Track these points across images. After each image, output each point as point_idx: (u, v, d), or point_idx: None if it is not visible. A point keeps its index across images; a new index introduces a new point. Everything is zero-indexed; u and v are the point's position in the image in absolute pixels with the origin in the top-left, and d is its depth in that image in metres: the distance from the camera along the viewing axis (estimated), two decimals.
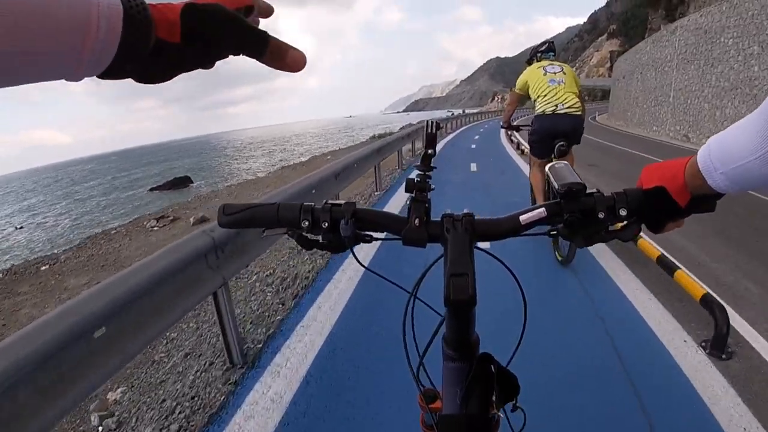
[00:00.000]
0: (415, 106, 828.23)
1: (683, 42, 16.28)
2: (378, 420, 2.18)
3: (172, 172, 40.79)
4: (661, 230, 0.64)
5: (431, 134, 0.69)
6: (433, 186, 0.70)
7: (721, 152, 0.52)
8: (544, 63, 4.09)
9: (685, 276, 3.10)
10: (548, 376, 2.34)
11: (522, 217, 0.66)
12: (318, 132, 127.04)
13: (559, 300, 3.31)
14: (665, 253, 3.59)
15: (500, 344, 0.81)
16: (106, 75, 0.37)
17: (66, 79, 0.34)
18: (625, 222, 0.64)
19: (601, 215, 0.63)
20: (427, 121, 0.70)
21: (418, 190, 0.68)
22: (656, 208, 0.61)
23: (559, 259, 3.78)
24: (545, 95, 3.84)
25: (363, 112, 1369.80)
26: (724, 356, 2.50)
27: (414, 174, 0.70)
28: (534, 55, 4.38)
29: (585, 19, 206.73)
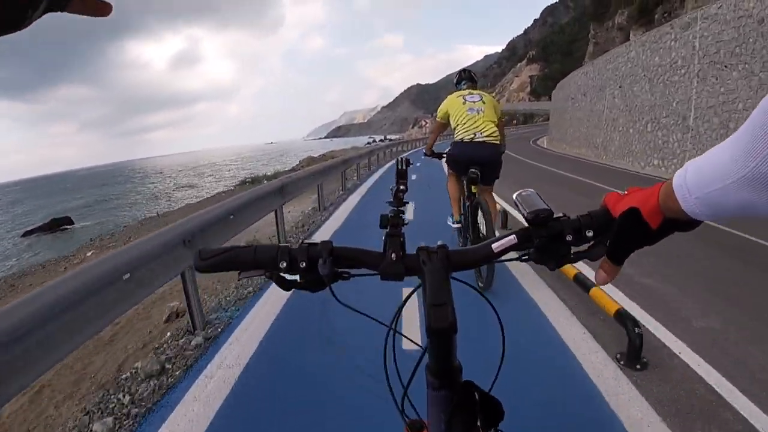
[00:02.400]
0: (338, 132, 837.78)
1: (712, 38, 10.97)
2: None
3: (63, 207, 40.56)
4: (625, 256, 0.62)
5: (402, 170, 0.74)
6: (406, 221, 0.72)
7: (697, 175, 0.50)
8: (464, 92, 4.18)
9: (600, 292, 3.18)
10: (526, 399, 2.33)
11: (494, 245, 0.68)
12: (231, 161, 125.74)
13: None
14: (581, 272, 3.56)
15: (481, 370, 0.78)
16: None
17: None
18: (592, 242, 0.66)
19: (569, 238, 0.65)
20: (398, 158, 0.77)
21: (393, 226, 0.71)
22: (626, 229, 0.60)
23: (480, 285, 3.64)
24: (464, 123, 3.92)
25: (285, 138, 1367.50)
26: (638, 367, 2.60)
27: (388, 210, 0.73)
28: (456, 84, 4.55)
29: (503, 47, 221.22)
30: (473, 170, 3.80)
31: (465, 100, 4.07)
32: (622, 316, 2.78)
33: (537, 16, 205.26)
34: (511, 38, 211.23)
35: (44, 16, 0.35)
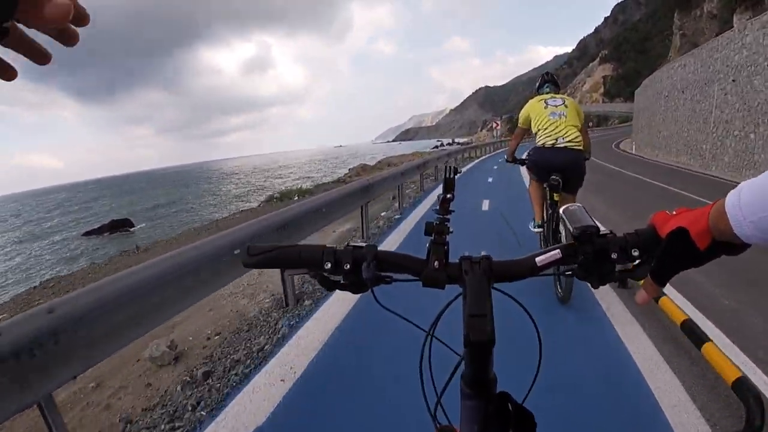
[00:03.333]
0: (405, 135, 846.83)
1: None
2: None
3: (130, 208, 42.72)
4: (670, 276, 0.61)
5: (449, 179, 0.73)
6: (452, 229, 0.72)
7: (752, 198, 0.48)
8: (546, 96, 4.10)
9: (716, 351, 2.63)
10: (561, 414, 2.33)
11: (538, 259, 0.69)
12: (302, 163, 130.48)
13: (563, 340, 3.18)
14: (693, 319, 3.05)
15: (515, 381, 0.80)
16: None
17: None
18: (638, 261, 0.66)
19: (614, 255, 0.65)
20: (446, 167, 0.75)
21: (437, 233, 0.71)
22: (673, 249, 0.59)
23: (559, 296, 3.71)
24: (546, 128, 3.84)
25: (353, 142, 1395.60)
26: None
27: (434, 218, 0.73)
28: (537, 89, 4.43)
29: (573, 47, 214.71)
30: (555, 177, 3.71)
31: (547, 104, 3.96)
32: (741, 386, 2.28)
33: (607, 14, 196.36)
34: (582, 38, 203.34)
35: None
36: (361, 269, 0.70)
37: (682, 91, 18.44)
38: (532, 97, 4.28)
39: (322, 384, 2.81)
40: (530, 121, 4.07)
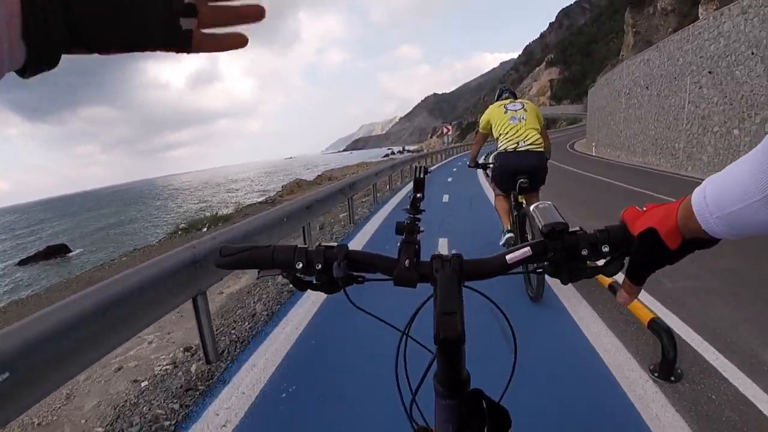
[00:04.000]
0: (356, 145, 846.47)
1: None
2: None
3: (78, 231, 38.98)
4: (646, 276, 0.60)
5: (419, 179, 0.72)
6: (422, 228, 0.72)
7: (717, 194, 0.48)
8: (506, 101, 4.15)
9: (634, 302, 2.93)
10: (533, 408, 2.32)
11: (508, 257, 0.68)
12: (253, 176, 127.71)
13: (528, 333, 3.23)
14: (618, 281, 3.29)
15: (490, 378, 0.80)
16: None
17: None
18: (609, 258, 0.66)
19: (584, 252, 0.65)
20: (416, 167, 0.74)
21: (408, 232, 0.70)
22: (645, 250, 0.58)
23: (531, 295, 3.76)
24: (507, 133, 3.88)
25: (304, 153, 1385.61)
26: (672, 379, 2.49)
27: (404, 217, 0.72)
28: (496, 99, 4.43)
29: (519, 53, 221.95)
30: (523, 180, 3.78)
31: (507, 109, 4.02)
32: (656, 325, 2.71)
33: (552, 19, 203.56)
34: (528, 43, 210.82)
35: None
36: (332, 269, 0.69)
37: (646, 87, 17.43)
38: (492, 104, 4.36)
39: (297, 387, 2.73)
40: (491, 126, 4.13)
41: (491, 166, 4.18)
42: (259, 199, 29.23)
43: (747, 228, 0.46)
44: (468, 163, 4.78)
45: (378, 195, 11.34)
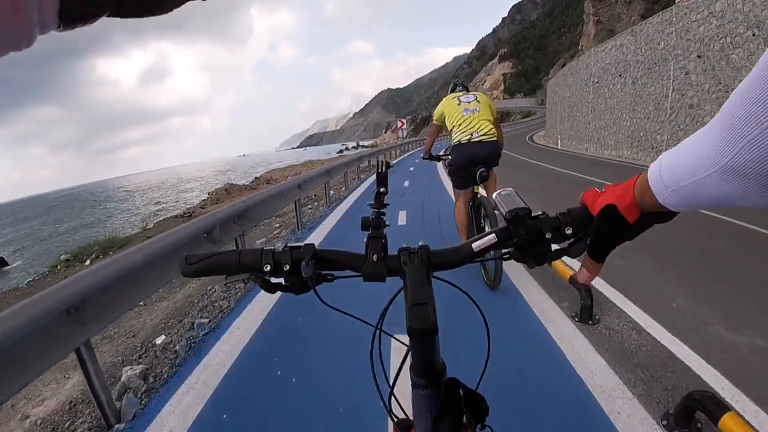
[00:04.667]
0: (310, 141, 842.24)
1: None
2: None
3: (28, 239, 34.33)
4: (606, 252, 0.62)
5: (382, 174, 0.72)
6: (388, 222, 0.72)
7: (672, 168, 0.49)
8: (459, 94, 4.21)
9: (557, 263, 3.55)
10: (507, 394, 2.37)
11: (475, 245, 0.69)
12: (208, 175, 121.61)
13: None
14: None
15: (465, 366, 0.82)
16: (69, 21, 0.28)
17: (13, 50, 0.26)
18: (572, 240, 0.67)
19: (548, 235, 0.66)
20: (378, 161, 0.74)
21: (374, 227, 0.70)
22: (604, 226, 0.60)
23: (488, 282, 3.82)
24: (461, 125, 3.93)
25: (258, 150, 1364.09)
26: (591, 322, 3.08)
27: (369, 212, 0.71)
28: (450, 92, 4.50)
29: (472, 47, 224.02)
30: (482, 169, 3.85)
31: (460, 101, 4.07)
32: (573, 280, 3.24)
33: (505, 14, 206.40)
34: (481, 38, 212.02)
35: None
36: (300, 269, 0.69)
37: (619, 75, 16.18)
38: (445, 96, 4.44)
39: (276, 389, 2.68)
40: (444, 118, 4.16)
41: (449, 159, 4.22)
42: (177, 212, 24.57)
43: (700, 201, 0.48)
44: (422, 155, 5.04)
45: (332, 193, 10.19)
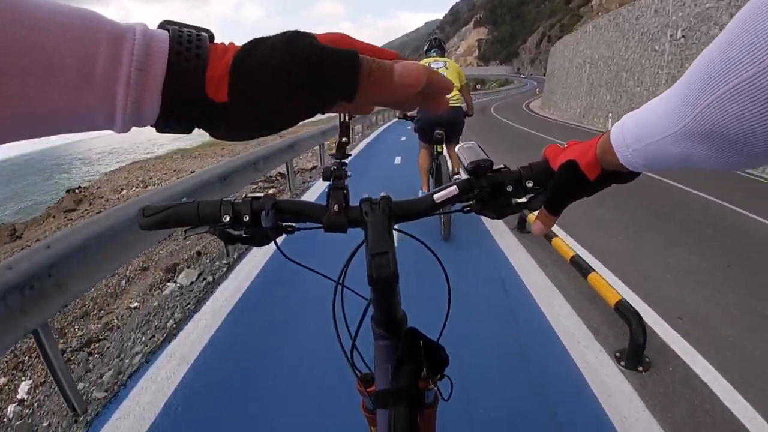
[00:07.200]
0: None
1: None
2: (323, 414, 2.10)
3: None
4: (563, 206, 0.62)
5: (345, 123, 0.68)
6: (349, 173, 0.70)
7: (634, 128, 0.50)
8: (430, 59, 4.55)
9: (599, 279, 2.96)
10: (469, 347, 2.40)
11: (436, 196, 0.69)
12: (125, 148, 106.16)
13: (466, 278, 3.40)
14: (579, 254, 3.44)
15: (428, 320, 0.81)
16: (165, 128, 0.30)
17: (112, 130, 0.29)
18: (533, 193, 0.67)
19: (509, 188, 0.65)
20: (339, 114, 0.71)
21: (336, 178, 0.69)
22: (564, 181, 0.60)
23: (442, 234, 4.09)
24: None
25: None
26: (640, 369, 2.37)
27: (330, 162, 0.70)
28: (426, 51, 4.84)
29: (446, 12, 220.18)
30: (438, 132, 4.19)
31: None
32: (623, 307, 2.57)
33: None
34: (455, 2, 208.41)
35: None
36: (260, 220, 0.67)
37: (671, 36, 12.97)
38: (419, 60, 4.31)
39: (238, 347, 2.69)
40: None
41: (416, 118, 4.59)
42: None
43: (660, 161, 0.48)
44: (397, 115, 6.09)
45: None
